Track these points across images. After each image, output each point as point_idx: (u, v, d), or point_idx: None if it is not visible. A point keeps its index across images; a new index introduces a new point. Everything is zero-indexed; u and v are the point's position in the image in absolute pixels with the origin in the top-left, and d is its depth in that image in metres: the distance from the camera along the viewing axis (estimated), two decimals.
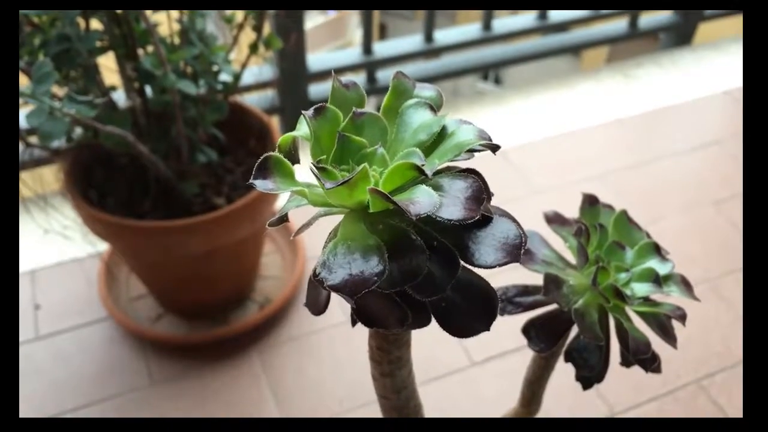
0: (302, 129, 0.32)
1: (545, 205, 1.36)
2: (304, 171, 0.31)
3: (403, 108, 0.33)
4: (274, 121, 1.52)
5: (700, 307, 1.19)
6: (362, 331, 1.18)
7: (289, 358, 1.11)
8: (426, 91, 0.34)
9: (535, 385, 0.49)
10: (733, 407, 1.06)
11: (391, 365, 0.36)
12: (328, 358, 1.11)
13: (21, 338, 1.14)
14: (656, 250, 0.44)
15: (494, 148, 0.30)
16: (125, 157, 1.06)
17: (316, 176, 0.28)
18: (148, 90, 0.98)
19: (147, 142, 1.03)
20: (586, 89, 1.73)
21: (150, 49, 0.94)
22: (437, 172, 0.29)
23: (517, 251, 0.28)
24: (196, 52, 0.93)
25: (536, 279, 0.43)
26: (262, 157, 0.29)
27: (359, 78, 1.52)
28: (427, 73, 1.57)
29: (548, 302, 0.42)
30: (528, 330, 0.43)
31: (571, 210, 1.46)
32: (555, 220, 0.45)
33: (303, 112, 0.31)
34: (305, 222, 0.32)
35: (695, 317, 1.17)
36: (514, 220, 0.30)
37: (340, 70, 1.47)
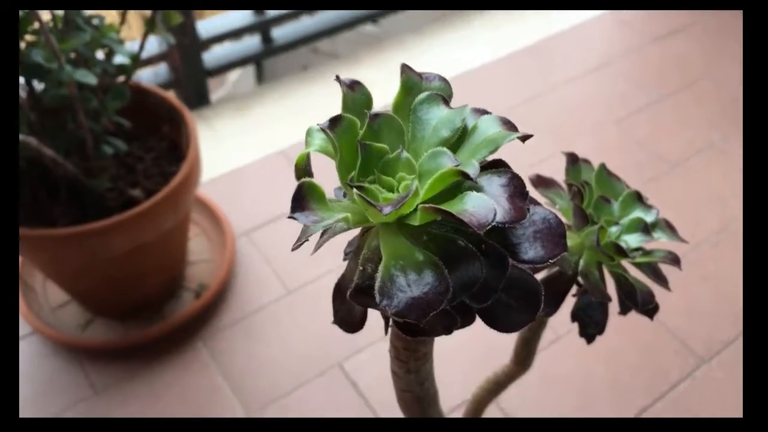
0: (315, 143, 0.29)
1: None
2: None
3: (416, 104, 0.31)
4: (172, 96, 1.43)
5: None
6: (306, 303, 1.16)
7: (236, 341, 1.08)
8: (434, 81, 0.32)
9: (530, 343, 0.50)
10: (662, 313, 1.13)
11: (417, 362, 0.35)
12: (275, 334, 1.09)
13: None
14: (638, 198, 0.45)
15: (525, 138, 0.29)
16: (22, 161, 0.97)
17: (364, 200, 0.25)
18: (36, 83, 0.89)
19: (43, 141, 0.95)
20: (474, 29, 1.73)
21: (29, 38, 0.85)
22: None
23: (564, 239, 0.27)
24: (87, 38, 0.84)
25: None
26: (295, 191, 0.26)
27: (254, 40, 1.46)
28: (324, 26, 1.52)
29: (548, 266, 0.42)
30: None
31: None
32: (540, 182, 0.45)
33: (317, 125, 0.28)
34: (322, 239, 0.30)
35: None
36: (539, 204, 0.29)
37: (233, 33, 1.39)
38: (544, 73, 1.57)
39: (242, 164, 1.33)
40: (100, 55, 0.94)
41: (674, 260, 0.43)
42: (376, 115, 0.29)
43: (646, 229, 0.43)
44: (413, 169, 0.29)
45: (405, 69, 0.32)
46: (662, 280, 0.44)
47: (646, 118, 1.46)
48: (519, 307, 0.28)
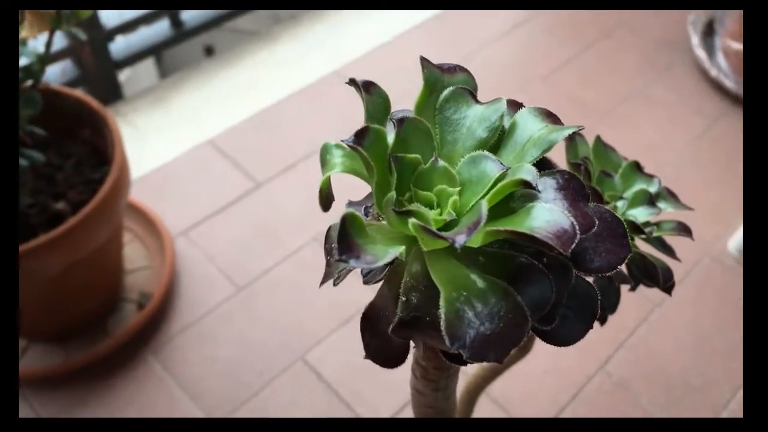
0: (336, 162, 0.25)
1: None
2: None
3: (441, 102, 0.27)
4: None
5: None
6: (259, 298, 1.10)
7: (189, 348, 1.02)
8: (456, 74, 0.28)
9: None
10: None
11: (447, 380, 0.32)
12: (231, 335, 1.04)
13: None
14: (638, 169, 0.43)
15: (579, 129, 0.25)
16: None
17: (423, 230, 0.21)
18: None
19: None
20: None
21: None
22: None
23: (627, 239, 0.24)
24: None
25: None
26: (339, 229, 0.22)
27: (163, 24, 1.36)
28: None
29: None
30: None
31: None
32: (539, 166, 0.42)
33: (333, 142, 0.24)
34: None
35: None
36: (589, 199, 0.26)
37: (140, 20, 1.29)
38: (467, 36, 1.55)
39: (168, 159, 1.25)
40: None
41: (685, 230, 0.42)
42: (402, 121, 0.26)
43: (652, 200, 0.41)
44: (453, 179, 0.25)
45: (425, 63, 0.28)
46: (671, 253, 0.43)
47: (570, 71, 1.47)
48: (577, 318, 0.25)
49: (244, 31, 1.71)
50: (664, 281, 0.40)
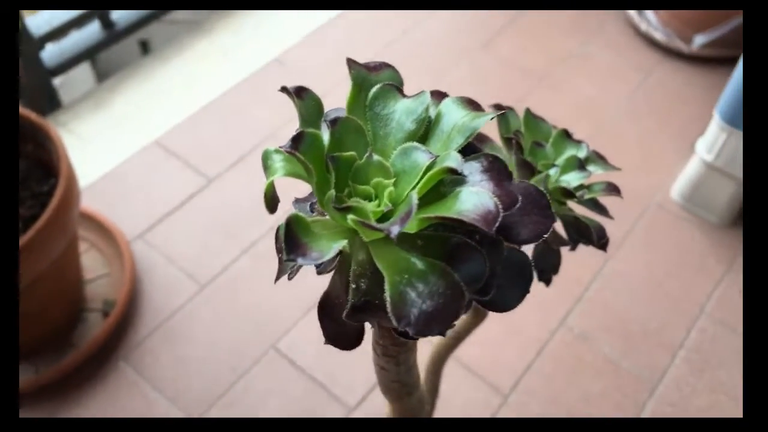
0: (277, 167, 0.26)
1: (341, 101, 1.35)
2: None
3: (371, 99, 0.28)
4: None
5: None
6: (223, 293, 1.11)
7: (159, 350, 1.03)
8: (382, 71, 0.29)
9: None
10: None
11: (406, 354, 0.34)
12: (200, 333, 1.05)
13: None
14: (567, 136, 0.45)
15: (492, 118, 0.27)
16: None
17: (361, 224, 0.23)
18: None
19: None
20: None
21: None
22: None
23: (550, 209, 0.27)
24: None
25: None
26: (285, 231, 0.23)
27: (93, 26, 1.33)
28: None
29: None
30: None
31: None
32: (466, 151, 0.44)
33: (272, 148, 0.26)
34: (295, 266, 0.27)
35: None
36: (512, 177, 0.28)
37: (72, 24, 1.27)
38: (397, 17, 1.55)
39: (115, 164, 1.24)
40: None
41: (614, 190, 0.44)
42: (335, 121, 0.27)
43: (582, 165, 0.44)
44: (387, 171, 0.27)
45: (351, 63, 0.29)
46: (604, 212, 0.45)
47: (506, 38, 1.49)
48: (513, 285, 0.28)
49: (181, 22, 1.67)
50: (598, 239, 0.43)
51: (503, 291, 0.27)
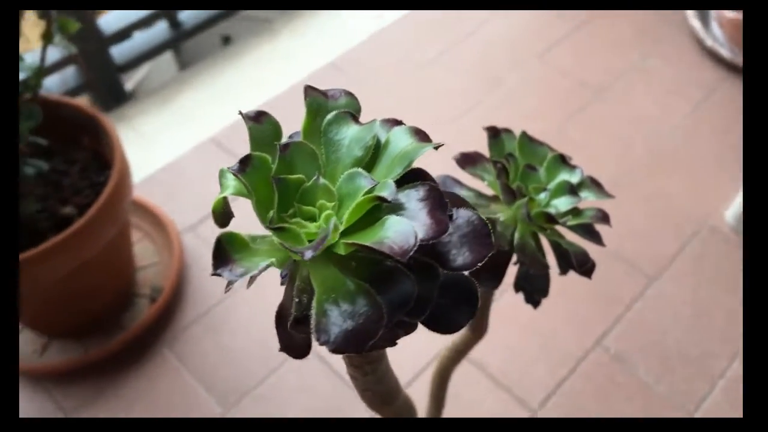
0: (229, 185, 0.28)
1: (393, 106, 1.37)
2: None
3: (325, 126, 0.30)
4: (84, 102, 1.38)
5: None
6: (260, 290, 1.15)
7: (200, 339, 1.08)
8: (340, 98, 0.31)
9: (481, 312, 0.51)
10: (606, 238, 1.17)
11: (372, 364, 0.35)
12: (238, 325, 1.09)
13: None
14: (562, 161, 0.46)
15: (437, 146, 0.28)
16: None
17: (287, 248, 0.25)
18: None
19: None
20: None
21: None
22: None
23: (490, 239, 0.28)
24: None
25: None
26: (214, 247, 0.26)
27: (161, 26, 1.40)
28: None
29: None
30: (476, 274, 0.44)
31: (418, 102, 1.45)
32: (466, 161, 0.45)
33: (226, 168, 0.28)
34: (251, 275, 0.29)
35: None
36: (466, 203, 0.29)
37: (140, 24, 1.34)
38: (457, 21, 1.55)
39: (174, 158, 1.30)
40: None
41: (603, 218, 0.44)
42: (287, 145, 0.29)
43: (573, 190, 0.44)
44: (332, 194, 0.29)
45: (308, 90, 0.31)
46: (596, 238, 0.45)
47: (565, 48, 1.47)
48: (457, 308, 0.29)
49: (253, 19, 1.72)
50: (579, 264, 0.43)
51: (447, 313, 0.28)
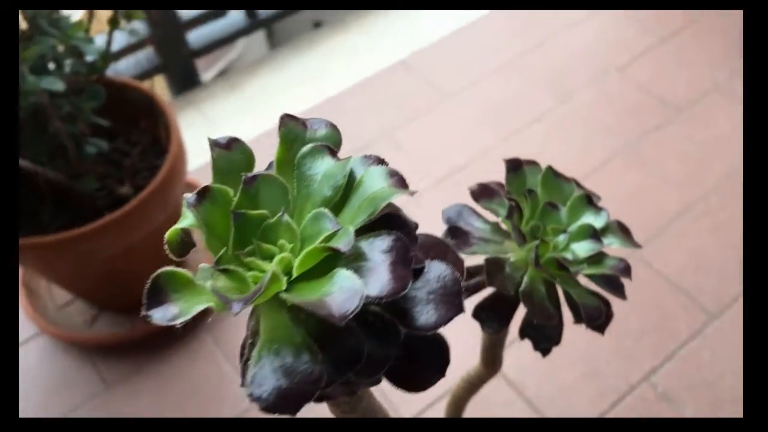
0: (186, 216, 0.27)
1: (459, 109, 1.34)
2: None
3: (299, 159, 0.28)
4: (159, 87, 1.41)
5: (630, 176, 1.22)
6: None
7: (238, 326, 1.09)
8: (319, 130, 0.29)
9: (494, 349, 0.49)
10: (668, 269, 1.10)
11: (349, 405, 0.34)
12: None
13: None
14: (588, 201, 0.42)
15: (412, 193, 0.26)
16: None
17: (216, 296, 0.24)
18: None
19: (27, 144, 0.94)
20: None
21: None
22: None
23: (459, 300, 0.25)
24: (52, 42, 0.82)
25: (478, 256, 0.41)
26: (148, 286, 0.25)
27: (237, 15, 1.42)
28: None
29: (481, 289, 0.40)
30: (478, 314, 0.41)
31: (485, 109, 1.41)
32: (482, 194, 0.43)
33: (184, 197, 0.27)
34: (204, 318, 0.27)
35: (622, 186, 1.20)
36: (445, 255, 0.27)
37: (216, 11, 1.36)
38: (543, 20, 1.50)
39: None
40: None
41: (624, 270, 0.41)
42: (253, 178, 0.27)
43: (596, 235, 0.40)
44: (295, 234, 0.27)
45: (284, 120, 0.29)
46: (617, 289, 0.42)
47: (648, 62, 1.40)
48: (425, 367, 0.26)
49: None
50: (588, 319, 0.39)
51: (413, 372, 0.26)
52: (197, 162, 1.22)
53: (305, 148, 0.29)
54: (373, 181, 0.27)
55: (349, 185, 0.27)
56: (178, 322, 0.24)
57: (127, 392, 1.04)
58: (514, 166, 0.42)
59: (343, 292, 0.23)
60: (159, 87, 1.37)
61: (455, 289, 0.25)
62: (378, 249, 0.25)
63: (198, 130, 1.32)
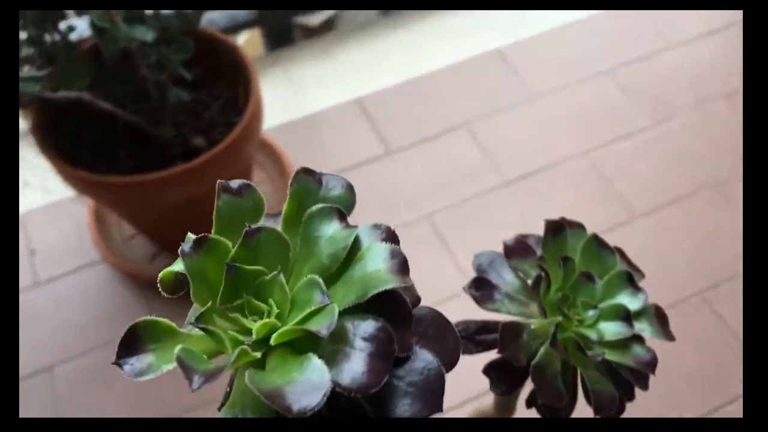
0: (180, 264, 0.27)
1: (545, 111, 1.29)
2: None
3: (306, 217, 0.28)
4: (250, 43, 1.42)
5: (706, 214, 1.15)
6: None
7: None
8: (334, 190, 0.28)
9: (505, 403, 0.47)
10: (735, 318, 1.05)
11: None
12: None
13: (21, 285, 1.15)
14: (628, 279, 0.40)
15: (406, 284, 0.25)
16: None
17: (179, 362, 0.23)
18: None
19: (114, 86, 0.97)
20: None
21: None
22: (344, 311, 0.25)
23: (440, 398, 0.24)
24: None
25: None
26: (125, 333, 0.25)
27: None
28: None
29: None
30: (489, 371, 0.40)
31: (573, 116, 1.34)
32: (516, 251, 0.41)
33: (181, 248, 0.26)
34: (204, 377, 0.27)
35: (701, 225, 1.13)
36: (444, 336, 0.26)
37: None
38: (657, 31, 1.41)
39: (316, 110, 1.32)
40: None
41: (648, 365, 0.38)
42: (256, 231, 0.27)
43: (628, 318, 0.38)
44: (285, 297, 0.26)
45: (299, 174, 0.28)
46: (640, 380, 0.39)
47: None
48: (415, 401, 0.25)
49: None
50: (596, 409, 0.37)
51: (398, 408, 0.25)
52: (273, 121, 1.23)
53: (314, 208, 0.28)
54: (374, 260, 0.26)
55: (352, 253, 0.26)
56: (146, 377, 0.24)
57: None
58: (556, 229, 0.40)
59: (307, 386, 0.22)
60: (253, 42, 1.38)
61: (437, 386, 0.24)
62: (360, 335, 0.24)
63: (280, 90, 1.33)
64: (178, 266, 0.27)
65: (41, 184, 1.05)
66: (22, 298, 1.13)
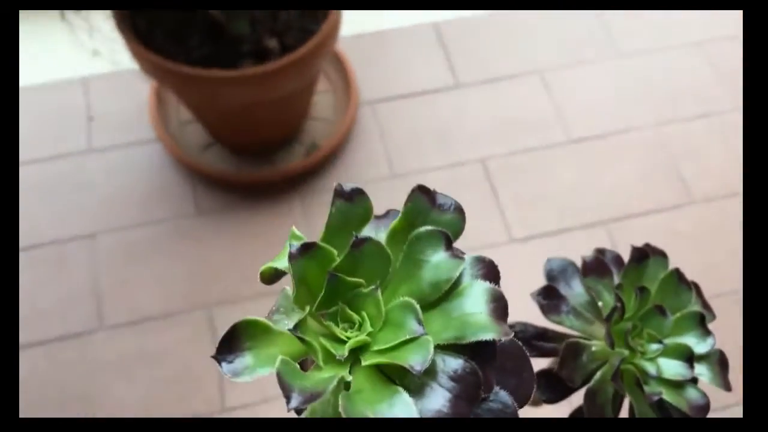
0: (284, 263, 0.27)
1: (626, 74, 1.23)
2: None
3: (412, 237, 0.27)
4: None
5: None
6: (398, 191, 1.10)
7: (326, 209, 1.11)
8: (446, 213, 0.27)
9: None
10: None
11: None
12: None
13: (74, 148, 1.17)
14: (700, 321, 0.39)
15: (500, 339, 0.24)
16: None
17: (280, 380, 0.23)
18: None
19: None
20: None
21: None
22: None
23: None
24: None
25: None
26: (227, 332, 0.25)
27: None
28: None
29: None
30: (539, 377, 0.40)
31: (654, 84, 1.29)
32: (594, 268, 0.40)
33: (290, 247, 0.26)
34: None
35: None
36: (521, 373, 0.26)
37: None
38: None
39: (391, 27, 1.28)
40: None
41: (701, 410, 0.38)
42: (362, 242, 0.26)
43: (691, 360, 0.38)
44: (380, 313, 0.26)
45: (414, 192, 0.28)
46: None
47: None
48: None
49: None
50: None
51: None
52: (343, 31, 1.20)
53: (422, 230, 0.27)
54: (473, 300, 0.25)
55: (453, 285, 0.26)
56: (242, 378, 0.25)
57: (211, 225, 1.10)
58: (640, 257, 0.39)
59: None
60: None
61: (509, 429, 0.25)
62: (448, 372, 0.24)
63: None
64: (280, 263, 0.27)
65: (110, 56, 1.05)
66: (75, 161, 1.16)
